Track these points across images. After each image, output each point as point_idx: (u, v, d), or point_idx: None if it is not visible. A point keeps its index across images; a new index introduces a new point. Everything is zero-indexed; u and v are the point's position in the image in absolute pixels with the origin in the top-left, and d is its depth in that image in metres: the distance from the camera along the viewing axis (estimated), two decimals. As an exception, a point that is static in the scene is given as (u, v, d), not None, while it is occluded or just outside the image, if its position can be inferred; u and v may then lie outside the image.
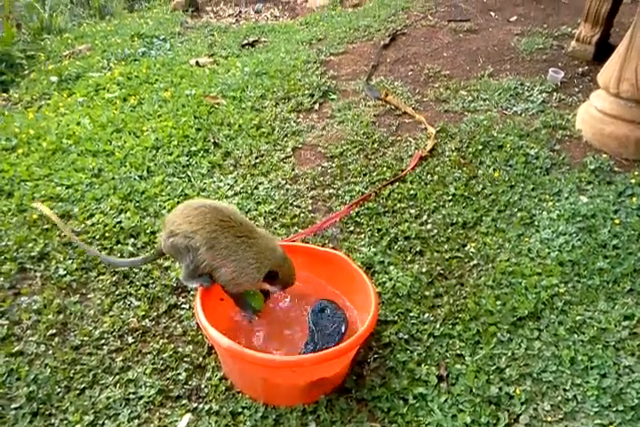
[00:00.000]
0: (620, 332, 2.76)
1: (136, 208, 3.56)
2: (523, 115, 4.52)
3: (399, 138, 4.25)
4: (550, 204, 3.57)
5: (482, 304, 2.96)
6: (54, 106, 5.12)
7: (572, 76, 5.09)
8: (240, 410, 2.47)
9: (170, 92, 4.90)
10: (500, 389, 2.57)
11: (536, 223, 3.45)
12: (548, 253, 3.23)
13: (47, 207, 3.32)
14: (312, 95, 4.76)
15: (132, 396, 2.49)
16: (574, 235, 3.32)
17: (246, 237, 2.57)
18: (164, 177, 3.87)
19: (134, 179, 3.85)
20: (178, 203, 3.63)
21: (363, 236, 3.43)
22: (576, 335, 2.76)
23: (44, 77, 5.95)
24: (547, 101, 4.70)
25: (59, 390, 2.47)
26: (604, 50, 5.09)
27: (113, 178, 3.85)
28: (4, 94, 6.07)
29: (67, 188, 3.74)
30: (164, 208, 3.58)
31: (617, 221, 3.37)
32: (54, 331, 2.73)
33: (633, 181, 3.67)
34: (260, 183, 3.82)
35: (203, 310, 2.51)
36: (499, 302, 2.96)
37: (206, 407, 2.47)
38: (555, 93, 4.79)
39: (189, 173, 3.92)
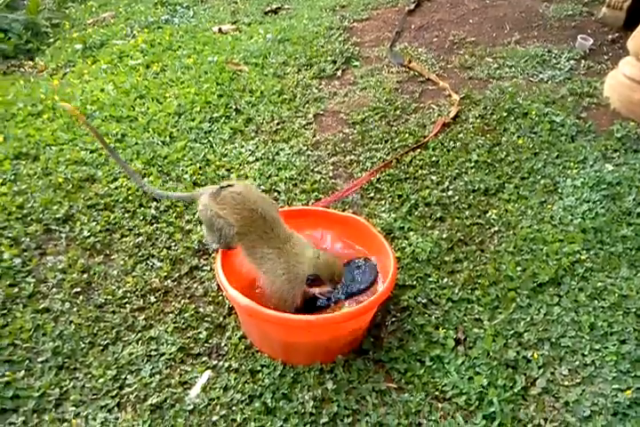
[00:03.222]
0: (642, 299, 2.71)
1: (159, 172, 3.56)
2: (549, 82, 4.39)
3: (422, 105, 4.16)
4: (574, 171, 3.48)
5: (502, 270, 2.92)
6: (79, 73, 5.11)
7: (602, 44, 4.91)
8: (259, 368, 2.49)
9: (193, 59, 4.85)
10: (518, 353, 2.54)
11: (559, 191, 3.37)
12: (571, 220, 3.16)
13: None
14: (334, 62, 4.67)
15: (153, 353, 2.52)
16: (598, 202, 3.24)
17: (281, 249, 2.50)
18: (186, 142, 3.85)
19: (157, 144, 3.84)
20: (200, 168, 3.64)
21: (383, 202, 3.39)
22: (596, 302, 2.72)
23: (68, 45, 5.94)
24: (574, 69, 4.55)
25: (83, 345, 2.52)
26: (635, 16, 4.88)
27: (136, 143, 3.84)
28: (31, 62, 6.09)
29: (91, 152, 3.74)
30: (186, 173, 3.57)
31: (643, 189, 3.29)
32: (79, 289, 2.77)
33: (661, 148, 3.57)
34: (281, 149, 3.79)
35: (223, 270, 2.52)
36: (519, 268, 2.91)
37: (226, 365, 2.50)
38: (583, 61, 4.63)
39: (211, 139, 3.90)
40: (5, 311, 2.62)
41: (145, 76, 4.75)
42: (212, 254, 3.00)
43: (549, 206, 3.26)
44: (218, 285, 2.80)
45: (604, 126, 3.87)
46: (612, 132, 3.76)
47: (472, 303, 2.80)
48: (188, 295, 2.81)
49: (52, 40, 6.42)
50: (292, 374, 2.47)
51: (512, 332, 2.63)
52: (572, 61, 4.60)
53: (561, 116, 3.89)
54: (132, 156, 3.69)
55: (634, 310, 2.66)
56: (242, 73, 4.59)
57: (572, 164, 3.54)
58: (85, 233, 3.08)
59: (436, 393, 2.43)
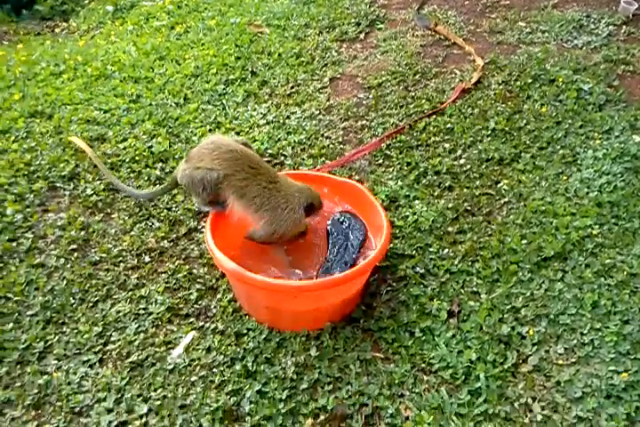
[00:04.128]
0: (652, 278, 2.51)
1: (168, 134, 3.50)
2: (583, 48, 4.07)
3: (444, 70, 3.94)
4: (598, 142, 3.23)
5: (506, 242, 2.75)
6: (106, 34, 5.08)
7: (648, 7, 4.52)
8: (245, 331, 2.44)
9: (215, 21, 4.72)
10: (513, 328, 2.40)
11: (579, 162, 3.14)
12: (587, 193, 2.94)
13: (83, 142, 3.28)
14: (358, 24, 4.46)
15: (141, 311, 2.50)
16: (619, 175, 3.00)
17: (274, 183, 2.49)
18: (199, 104, 3.77)
19: (170, 105, 3.77)
20: (210, 131, 3.56)
21: (391, 169, 3.24)
22: (603, 279, 2.53)
23: (101, 7, 5.90)
24: (613, 35, 4.20)
25: (73, 301, 2.52)
26: (688, -23, 4.47)
27: (150, 104, 3.78)
28: (65, 23, 6.10)
29: (104, 112, 3.71)
30: (195, 135, 3.50)
31: (670, 163, 3.03)
32: (75, 246, 2.76)
33: (697, 120, 3.27)
34: (292, 113, 3.66)
35: (212, 233, 2.45)
36: (524, 241, 2.74)
37: (212, 327, 2.45)
38: (624, 27, 4.27)
39: (224, 102, 3.80)
40: (1, 265, 2.64)
41: (168, 37, 4.66)
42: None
43: (565, 178, 3.04)
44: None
45: (637, 95, 3.57)
46: (644, 102, 3.48)
47: (471, 276, 2.65)
48: (183, 256, 2.77)
49: (86, 1, 6.41)
50: (277, 339, 2.41)
51: (509, 306, 2.48)
52: (611, 27, 4.25)
53: (590, 84, 3.60)
54: (145, 116, 3.63)
55: (642, 289, 2.47)
56: (262, 35, 4.44)
57: (595, 134, 3.29)
58: (89, 191, 3.06)
59: (423, 365, 2.32)
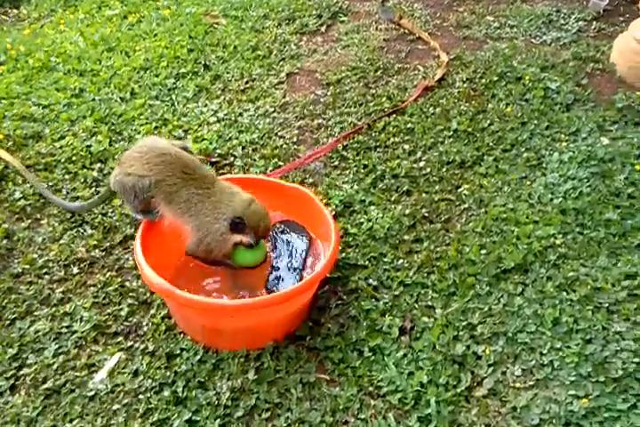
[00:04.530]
0: (616, 293, 2.33)
1: (110, 131, 3.23)
2: (552, 44, 3.90)
3: (407, 66, 3.73)
4: (564, 144, 3.05)
5: (464, 252, 2.56)
6: (56, 23, 4.74)
7: (619, 3, 4.35)
8: (178, 352, 2.21)
9: (170, 10, 4.44)
10: (468, 347, 2.21)
11: (543, 165, 2.96)
12: (551, 199, 2.76)
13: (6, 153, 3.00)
14: (320, 16, 4.22)
15: (64, 330, 2.25)
16: (585, 180, 2.83)
17: (207, 189, 2.22)
18: (145, 100, 3.50)
19: (115, 101, 3.50)
20: (155, 128, 3.31)
21: (347, 172, 3.02)
22: (565, 293, 2.35)
23: (53, -6, 5.55)
24: (583, 31, 4.03)
25: (-14, 319, 2.28)
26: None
27: (93, 99, 3.51)
28: (15, 10, 5.73)
29: (43, 107, 3.42)
30: (139, 132, 3.24)
31: (638, 167, 2.85)
32: (-5, 256, 2.51)
33: (665, 122, 3.11)
34: (245, 110, 3.42)
35: (142, 244, 2.22)
36: (483, 251, 2.55)
37: (141, 347, 2.22)
38: (594, 22, 4.11)
39: (173, 97, 3.54)
40: None
41: (119, 27, 4.36)
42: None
43: (529, 183, 2.86)
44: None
45: (606, 95, 3.40)
46: (613, 102, 3.30)
47: (426, 288, 2.46)
48: (116, 267, 2.53)
49: (39, -11, 6.04)
50: (213, 361, 2.19)
51: (465, 323, 2.30)
52: (581, 22, 4.08)
53: (557, 83, 3.43)
54: (86, 112, 3.36)
55: (606, 305, 2.29)
56: (218, 26, 4.18)
57: (562, 135, 3.11)
58: (17, 195, 2.79)
59: (370, 389, 2.12)
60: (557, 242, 2.55)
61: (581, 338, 2.19)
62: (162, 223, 2.31)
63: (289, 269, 2.44)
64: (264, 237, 2.28)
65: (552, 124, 3.19)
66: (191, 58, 3.83)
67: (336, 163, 3.08)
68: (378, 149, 3.13)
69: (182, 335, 2.28)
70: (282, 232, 2.51)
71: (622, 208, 2.67)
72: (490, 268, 2.48)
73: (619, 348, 2.15)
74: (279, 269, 2.41)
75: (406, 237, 2.68)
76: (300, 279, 2.35)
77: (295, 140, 3.22)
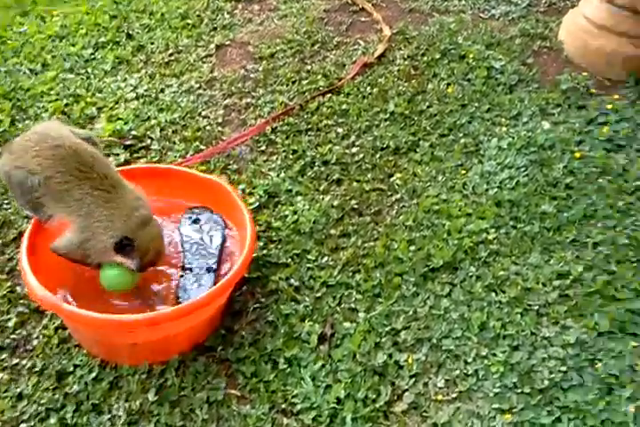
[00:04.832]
0: (547, 294, 2.15)
1: (14, 108, 2.88)
2: (500, 19, 3.62)
3: (347, 40, 3.41)
4: (504, 129, 2.83)
5: (392, 249, 2.35)
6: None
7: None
8: (70, 369, 1.94)
9: (93, -29, 3.98)
10: (390, 356, 2.02)
11: (481, 152, 2.74)
12: (486, 189, 2.55)
13: None
14: (258, -18, 3.84)
15: None
16: (522, 169, 2.62)
17: (105, 192, 1.91)
18: (58, 72, 3.13)
19: (24, 73, 3.12)
20: (66, 105, 2.96)
21: (275, 157, 2.75)
22: (494, 294, 2.17)
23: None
24: (533, 5, 3.76)
25: None
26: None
27: (-1, 71, 3.13)
28: None
29: None
30: (47, 110, 2.89)
31: (577, 155, 2.66)
32: None
33: (609, 106, 2.90)
34: (168, 86, 3.08)
35: (30, 246, 1.94)
36: (412, 248, 2.34)
37: (28, 364, 1.94)
38: (545, -5, 3.85)
39: (89, 70, 3.17)
40: None
41: (36, -12, 3.90)
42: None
43: (464, 172, 2.64)
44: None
45: (551, 75, 3.17)
46: (557, 83, 3.08)
47: (350, 289, 2.25)
48: (6, 270, 2.23)
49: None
50: (110, 378, 1.93)
51: (388, 328, 2.10)
52: (531, -5, 3.82)
53: (502, 62, 3.18)
54: (-11, 86, 2.99)
55: (535, 307, 2.11)
56: (146, -10, 3.77)
57: (502, 119, 2.88)
58: None
59: (284, 406, 1.91)
60: (490, 237, 2.35)
61: (508, 345, 2.01)
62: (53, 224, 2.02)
63: (202, 270, 2.18)
64: (154, 263, 1.97)
65: (493, 106, 2.96)
66: (113, 25, 3.44)
67: (263, 147, 2.80)
68: (309, 133, 2.86)
69: (77, 349, 2.01)
70: (194, 222, 2.24)
71: (559, 200, 2.48)
72: (418, 266, 2.28)
73: (546, 355, 1.98)
74: (191, 270, 2.15)
75: (333, 232, 2.45)
76: (216, 282, 2.11)
77: (220, 120, 2.91)
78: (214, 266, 2.18)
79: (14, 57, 3.22)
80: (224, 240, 2.25)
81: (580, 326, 2.01)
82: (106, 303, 2.01)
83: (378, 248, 2.35)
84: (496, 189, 2.54)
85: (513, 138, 2.76)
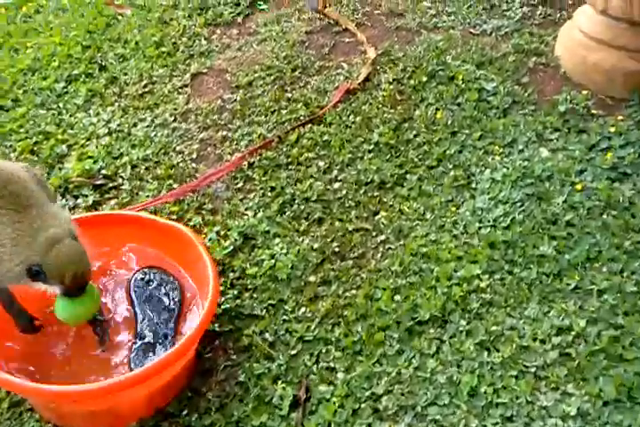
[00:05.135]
0: (546, 352, 1.90)
1: (-21, 150, 2.72)
2: (492, 34, 3.36)
3: (329, 63, 3.18)
4: (497, 158, 2.59)
5: (375, 298, 2.12)
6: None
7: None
8: (18, 440, 1.77)
9: (70, -1, 3.81)
10: (369, 426, 1.81)
11: (473, 186, 2.49)
12: (479, 228, 2.31)
13: None
14: (238, 4, 3.59)
15: None
16: (518, 204, 2.37)
17: (14, 211, 1.69)
18: (29, 108, 2.95)
19: (-7, 110, 2.97)
20: (35, 143, 2.79)
21: (252, 195, 2.54)
22: (486, 354, 1.92)
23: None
24: (527, 17, 3.49)
25: None
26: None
27: (-33, 108, 2.97)
28: None
29: None
30: (15, 150, 2.72)
31: (579, 187, 2.40)
32: None
33: (612, 129, 2.63)
34: (141, 120, 2.88)
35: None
36: (397, 297, 2.10)
37: (-30, 438, 1.78)
38: (540, 7, 3.56)
39: (61, 105, 2.98)
40: None
41: (12, 19, 3.72)
42: None
43: (455, 208, 2.40)
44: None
45: (548, 95, 2.91)
46: (555, 104, 2.81)
47: (329, 345, 2.02)
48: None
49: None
50: (59, 452, 1.76)
51: (368, 393, 1.87)
52: (525, 8, 3.53)
53: (494, 82, 2.92)
54: (-45, 126, 2.83)
55: (532, 369, 1.86)
56: (123, 17, 3.58)
57: (496, 147, 2.64)
58: None
59: (250, 484, 1.72)
60: (482, 285, 2.11)
61: (501, 415, 1.77)
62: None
63: (158, 337, 1.96)
64: (80, 285, 1.71)
65: (486, 133, 2.71)
66: (86, 56, 3.25)
67: (240, 184, 2.59)
68: (289, 167, 2.64)
69: (30, 413, 1.83)
70: (147, 283, 2.04)
71: (559, 239, 2.23)
72: (403, 319, 2.04)
73: (544, 428, 1.75)
74: (145, 337, 1.93)
75: (312, 279, 2.23)
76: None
77: (195, 156, 2.71)
78: (171, 332, 1.97)
79: (-16, 93, 3.07)
80: (181, 304, 2.04)
81: (582, 393, 1.76)
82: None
83: (359, 298, 2.12)
84: (489, 229, 2.29)
85: (507, 168, 2.52)
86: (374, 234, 2.38)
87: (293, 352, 2.01)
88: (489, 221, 2.32)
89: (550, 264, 2.15)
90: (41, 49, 3.35)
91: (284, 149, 2.70)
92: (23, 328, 1.93)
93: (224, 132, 2.81)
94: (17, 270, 1.66)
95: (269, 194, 2.53)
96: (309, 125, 2.79)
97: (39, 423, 1.80)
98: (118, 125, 2.85)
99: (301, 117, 2.84)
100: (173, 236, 2.07)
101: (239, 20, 3.53)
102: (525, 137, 2.67)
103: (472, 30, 3.42)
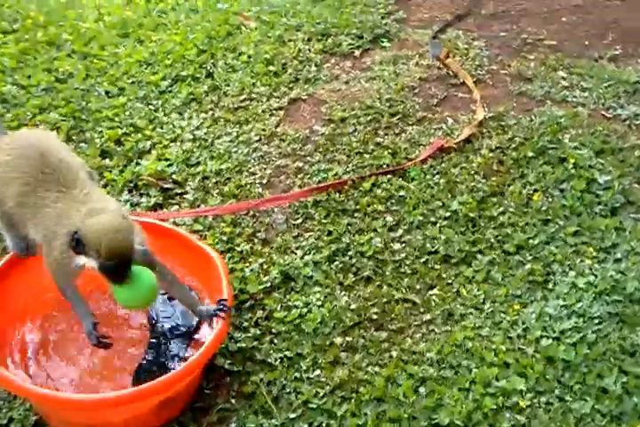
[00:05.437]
0: None
1: (71, 130, 2.80)
2: (626, 122, 3.01)
3: (433, 116, 2.98)
4: (588, 262, 2.25)
5: (397, 383, 1.87)
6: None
7: None
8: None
9: (203, 2, 3.86)
10: None
11: (549, 286, 2.17)
12: (540, 337, 1.99)
13: None
14: (360, 37, 3.50)
15: None
16: (595, 321, 2.02)
17: (61, 193, 1.71)
18: (129, 99, 3.01)
19: (98, 94, 3.04)
20: (124, 134, 2.82)
21: (307, 235, 2.39)
22: None
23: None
24: (672, 109, 3.14)
25: None
26: None
27: (76, 88, 3.05)
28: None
29: (20, 88, 3.01)
30: (102, 137, 2.77)
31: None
32: None
33: None
34: (227, 133, 2.83)
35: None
36: (421, 390, 1.85)
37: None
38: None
39: (160, 102, 3.01)
40: None
41: (149, 12, 3.85)
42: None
43: (519, 306, 2.11)
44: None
45: (669, 202, 2.55)
46: (674, 214, 2.46)
47: (331, 420, 1.84)
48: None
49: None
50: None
51: None
52: (672, 102, 3.18)
53: (610, 176, 2.58)
54: (60, 102, 2.93)
55: None
56: (246, 29, 3.58)
57: (590, 249, 2.29)
58: None
59: None
60: (522, 404, 1.80)
61: None
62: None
63: (169, 358, 1.87)
64: (118, 261, 1.57)
65: (583, 229, 2.37)
66: (198, 60, 3.27)
67: (299, 220, 2.45)
68: (354, 215, 2.46)
69: None
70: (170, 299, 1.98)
71: (630, 376, 1.86)
72: (419, 416, 1.78)
73: None
74: (153, 359, 1.85)
75: (338, 341, 2.03)
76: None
77: (265, 181, 2.61)
78: (184, 352, 1.90)
79: (98, 77, 3.15)
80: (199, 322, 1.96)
81: None
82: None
83: (380, 378, 1.89)
84: (552, 341, 1.97)
85: (596, 276, 2.17)
86: (421, 310, 2.13)
87: (293, 416, 1.83)
88: (554, 332, 2.00)
89: (611, 403, 1.80)
90: (161, 45, 3.42)
91: (355, 195, 2.52)
92: (89, 334, 1.79)
93: (301, 164, 2.69)
94: (64, 241, 1.63)
95: (325, 238, 2.37)
96: (389, 176, 2.60)
97: None
98: (205, 134, 2.82)
99: (384, 166, 2.66)
100: (205, 263, 1.96)
101: (357, 53, 3.43)
102: (628, 246, 2.31)
103: (604, 112, 3.08)
